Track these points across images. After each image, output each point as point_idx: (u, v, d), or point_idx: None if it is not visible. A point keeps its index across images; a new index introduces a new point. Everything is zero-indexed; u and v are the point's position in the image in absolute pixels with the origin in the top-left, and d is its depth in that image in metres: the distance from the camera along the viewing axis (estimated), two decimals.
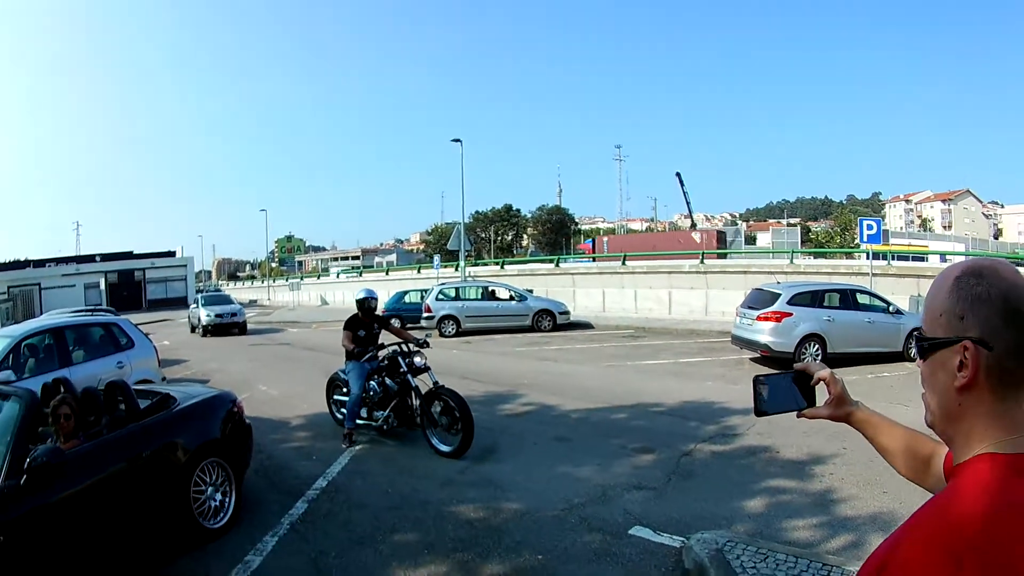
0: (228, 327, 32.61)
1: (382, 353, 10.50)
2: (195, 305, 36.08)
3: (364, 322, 10.65)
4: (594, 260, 47.41)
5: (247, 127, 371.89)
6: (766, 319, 16.40)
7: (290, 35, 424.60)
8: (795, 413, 2.07)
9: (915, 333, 1.49)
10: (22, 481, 4.81)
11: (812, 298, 16.89)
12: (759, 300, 17.24)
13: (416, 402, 9.97)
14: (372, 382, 10.32)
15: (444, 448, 9.37)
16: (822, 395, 2.07)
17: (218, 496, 6.83)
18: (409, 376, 9.97)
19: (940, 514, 1.28)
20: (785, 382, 2.08)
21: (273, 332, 31.47)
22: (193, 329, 34.88)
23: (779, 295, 16.78)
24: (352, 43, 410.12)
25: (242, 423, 7.71)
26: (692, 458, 9.03)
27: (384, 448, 9.89)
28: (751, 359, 17.65)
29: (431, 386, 9.69)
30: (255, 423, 8.19)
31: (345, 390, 10.76)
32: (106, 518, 5.58)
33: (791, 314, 16.25)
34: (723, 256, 43.02)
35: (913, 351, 16.39)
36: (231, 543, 6.50)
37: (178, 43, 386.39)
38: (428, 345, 10.58)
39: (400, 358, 10.13)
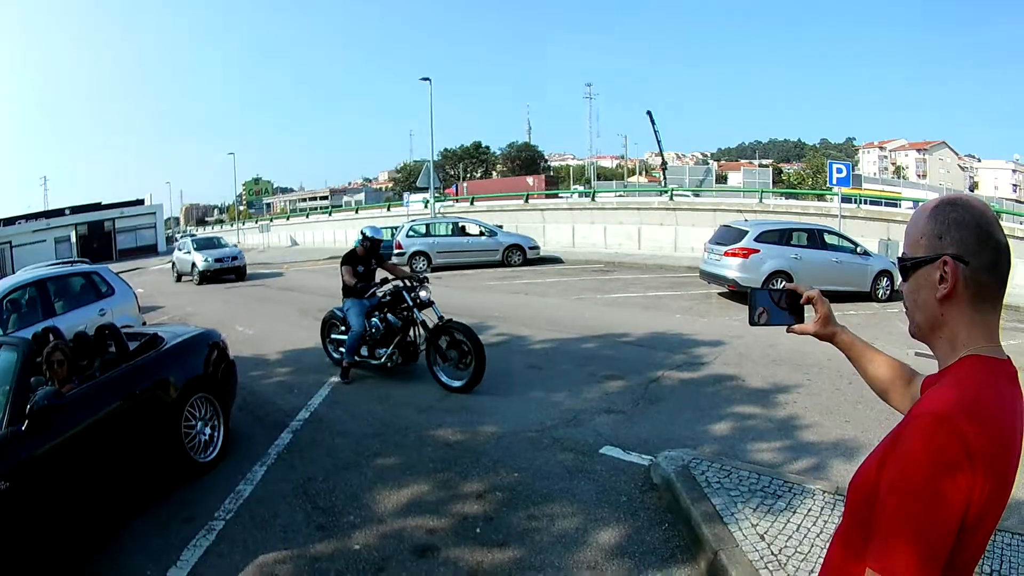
0: (227, 272, 29.43)
1: (384, 288, 10.24)
2: (183, 251, 31.92)
3: (362, 258, 10.34)
4: (456, 201, 49.96)
5: (212, 69, 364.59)
6: (733, 255, 16.56)
7: None
8: (784, 328, 2.24)
9: (899, 258, 1.62)
10: (24, 427, 4.92)
11: (779, 236, 17.01)
12: (727, 237, 17.36)
13: (421, 337, 9.92)
14: (373, 319, 10.07)
15: (454, 383, 9.26)
16: (810, 317, 2.23)
17: (207, 430, 7.04)
18: (416, 311, 9.78)
19: (938, 405, 1.45)
20: (777, 297, 2.22)
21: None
22: (180, 278, 31.26)
23: (747, 232, 16.94)
24: None
25: (227, 359, 7.89)
26: (660, 385, 9.35)
27: (364, 380, 10.09)
28: (719, 294, 17.92)
29: (436, 321, 9.52)
30: (236, 362, 8.36)
31: (343, 328, 10.53)
32: (105, 456, 5.75)
33: (758, 251, 16.43)
34: (553, 196, 46.73)
35: (881, 291, 16.77)
36: (222, 474, 6.74)
37: None
38: (427, 280, 10.28)
39: (405, 292, 9.85)
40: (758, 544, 4.77)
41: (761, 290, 2.27)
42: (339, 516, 5.76)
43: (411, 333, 10.03)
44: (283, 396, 9.43)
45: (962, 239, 1.57)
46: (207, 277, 28.80)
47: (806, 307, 2.23)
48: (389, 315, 10.03)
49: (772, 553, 4.65)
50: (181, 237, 43.37)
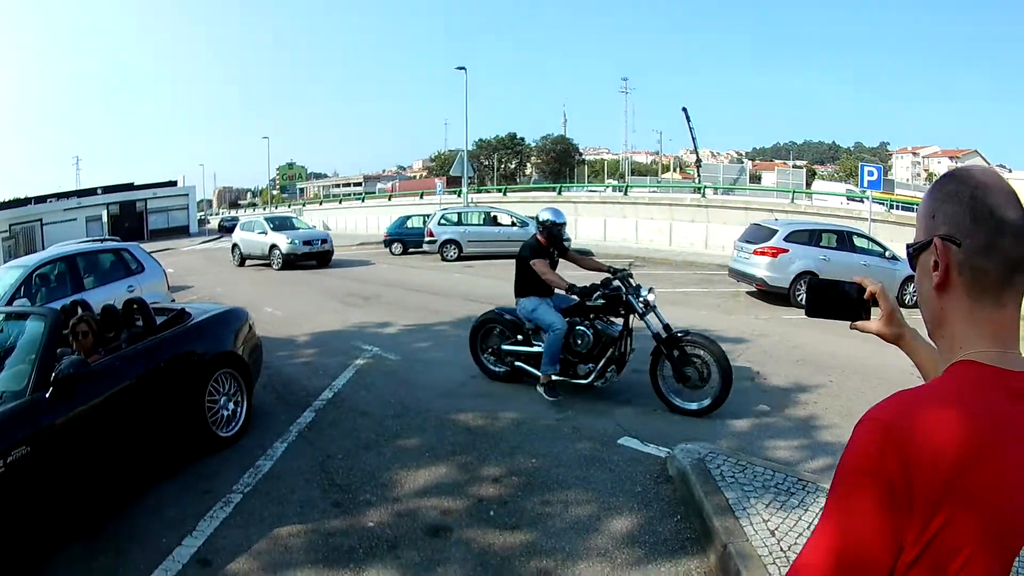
0: (312, 257, 26.27)
1: (593, 289, 8.18)
2: (255, 231, 28.14)
3: (546, 249, 8.61)
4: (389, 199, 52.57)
5: (249, 55, 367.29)
6: (763, 254, 16.48)
7: None
8: (848, 325, 1.88)
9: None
10: (48, 394, 5.03)
11: (809, 236, 16.82)
12: (756, 235, 17.27)
13: (631, 347, 8.42)
14: (580, 327, 8.33)
15: (689, 405, 7.90)
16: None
17: (230, 406, 7.13)
18: (648, 318, 7.96)
19: (882, 410, 1.25)
20: (840, 290, 1.95)
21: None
22: (244, 261, 28.18)
23: (776, 231, 16.85)
24: None
25: (252, 337, 8.02)
26: None
27: (387, 363, 10.17)
28: (747, 292, 17.84)
29: (660, 329, 8.00)
30: (263, 342, 8.54)
31: (519, 337, 8.88)
32: (127, 426, 5.85)
33: (787, 250, 16.31)
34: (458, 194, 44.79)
35: (908, 297, 16.57)
36: (243, 449, 6.85)
37: None
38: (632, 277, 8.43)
39: (631, 297, 8.02)
40: (768, 539, 4.77)
41: (823, 281, 2.11)
42: (355, 494, 5.83)
43: (624, 343, 8.30)
44: (308, 376, 9.53)
45: (954, 216, 1.32)
46: (292, 260, 25.78)
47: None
48: (597, 322, 8.40)
49: (781, 549, 4.65)
50: (242, 217, 41.49)
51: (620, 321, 8.28)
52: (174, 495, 5.86)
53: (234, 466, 6.44)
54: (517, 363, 8.90)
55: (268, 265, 26.55)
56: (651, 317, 8.01)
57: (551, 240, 8.60)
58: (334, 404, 8.29)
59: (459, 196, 40.15)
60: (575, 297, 8.22)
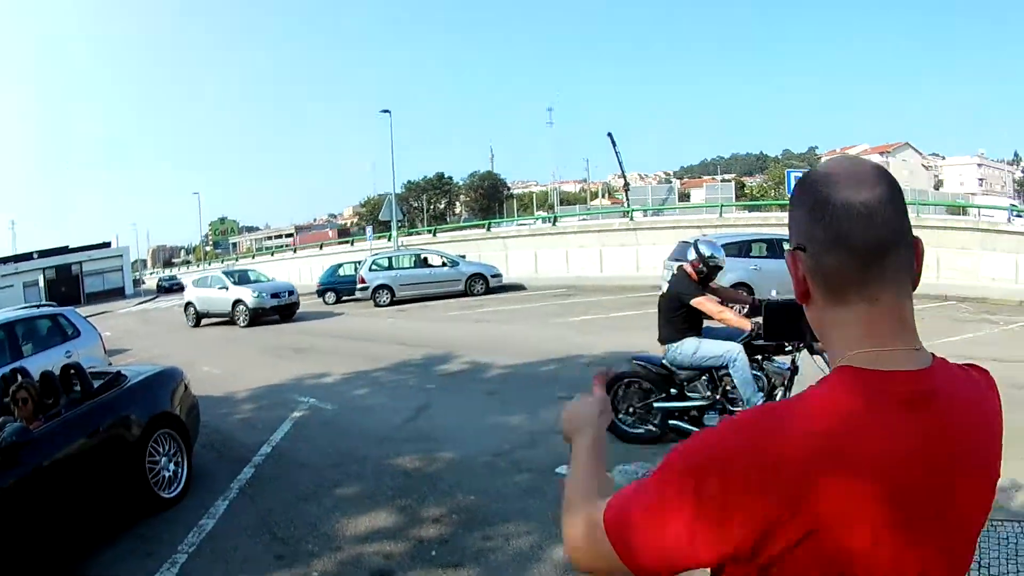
0: (280, 311, 24.67)
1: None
2: (215, 287, 26.10)
3: (699, 285, 7.55)
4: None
5: (176, 109, 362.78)
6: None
7: (207, 12, 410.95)
8: (805, 348, 1.64)
9: None
10: None
11: (738, 248, 17.22)
12: (685, 252, 17.48)
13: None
14: (751, 371, 7.16)
15: None
16: None
17: (171, 466, 7.11)
18: (819, 355, 6.22)
19: (740, 414, 1.17)
20: (799, 311, 1.52)
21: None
22: (199, 321, 26.29)
23: None
24: (267, 18, 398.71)
25: (189, 396, 8.01)
26: None
27: (324, 414, 10.21)
28: None
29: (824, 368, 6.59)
30: (200, 401, 8.49)
31: (672, 389, 7.71)
32: (70, 491, 5.85)
33: None
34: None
35: None
36: (185, 510, 6.82)
37: (92, 27, 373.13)
38: None
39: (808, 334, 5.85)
40: None
41: (778, 301, 1.73)
42: (297, 545, 5.87)
43: (791, 384, 7.08)
44: (246, 432, 9.53)
45: (798, 222, 1.21)
46: (260, 314, 24.15)
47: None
48: (766, 363, 7.33)
49: None
50: (181, 275, 40.35)
51: (781, 359, 7.28)
52: (119, 558, 5.86)
53: (177, 527, 6.42)
54: (672, 422, 7.69)
55: (230, 323, 24.93)
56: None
57: (704, 278, 7.63)
58: (273, 458, 8.30)
59: (389, 240, 40.23)
60: (748, 333, 7.16)
